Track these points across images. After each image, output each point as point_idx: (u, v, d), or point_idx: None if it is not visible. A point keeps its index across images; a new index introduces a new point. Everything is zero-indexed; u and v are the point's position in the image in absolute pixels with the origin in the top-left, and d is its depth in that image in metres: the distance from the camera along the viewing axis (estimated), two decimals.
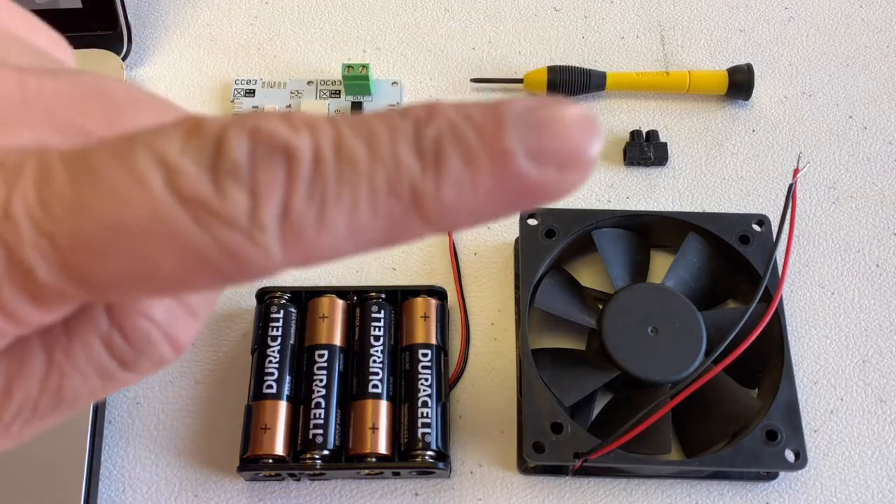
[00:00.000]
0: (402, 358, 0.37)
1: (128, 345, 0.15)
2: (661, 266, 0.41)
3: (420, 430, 0.35)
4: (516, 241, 0.42)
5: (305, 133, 0.12)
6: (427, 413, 0.35)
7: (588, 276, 0.41)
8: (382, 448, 0.35)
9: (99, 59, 0.45)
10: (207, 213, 0.12)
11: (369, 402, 0.35)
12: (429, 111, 0.12)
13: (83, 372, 0.15)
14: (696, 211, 0.43)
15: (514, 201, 0.12)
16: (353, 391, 0.36)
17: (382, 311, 0.38)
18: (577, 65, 0.46)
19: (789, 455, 0.34)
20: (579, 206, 0.43)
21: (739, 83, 0.46)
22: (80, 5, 0.44)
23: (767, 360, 0.37)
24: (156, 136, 0.12)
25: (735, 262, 0.39)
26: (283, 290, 0.38)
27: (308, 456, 0.35)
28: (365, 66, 0.45)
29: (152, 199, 0.12)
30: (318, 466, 0.34)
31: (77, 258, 0.12)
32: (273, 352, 0.36)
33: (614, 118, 0.46)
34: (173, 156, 0.12)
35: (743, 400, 0.36)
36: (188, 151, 0.12)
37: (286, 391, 0.36)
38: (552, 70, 0.46)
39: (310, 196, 0.12)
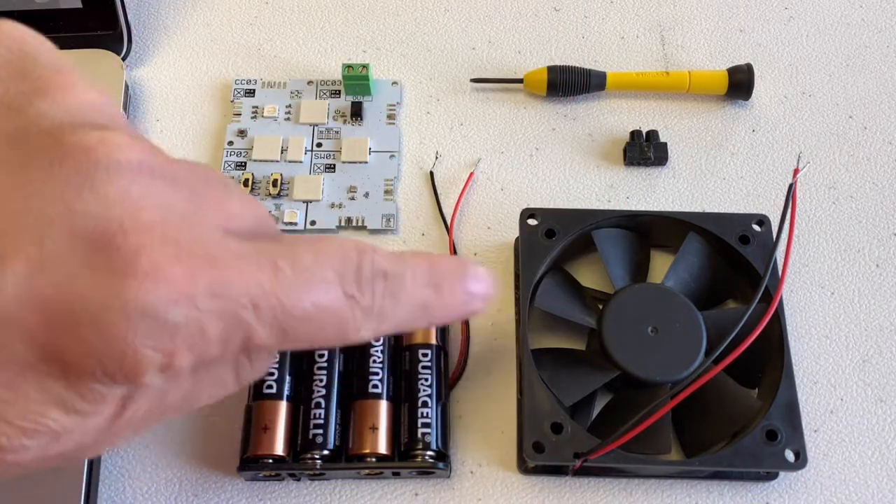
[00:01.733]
0: (402, 358, 0.37)
1: (249, 363, 0.24)
2: (661, 266, 0.41)
3: (420, 430, 0.35)
4: (516, 241, 0.42)
5: (400, 269, 0.24)
6: (427, 413, 0.35)
7: (588, 276, 0.41)
8: (382, 448, 0.35)
9: (99, 59, 0.45)
10: (357, 307, 0.23)
11: (369, 402, 0.35)
12: (431, 265, 0.25)
13: (212, 383, 0.24)
14: (696, 211, 0.43)
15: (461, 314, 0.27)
16: (353, 391, 0.36)
17: None
18: (577, 65, 0.46)
19: (789, 455, 0.34)
20: (579, 206, 0.43)
21: (739, 83, 0.46)
22: (80, 5, 0.44)
23: (767, 360, 0.37)
24: (337, 262, 0.23)
25: (735, 262, 0.39)
26: None
27: (308, 456, 0.35)
28: (365, 66, 0.45)
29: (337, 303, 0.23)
30: (318, 466, 0.34)
31: (289, 336, 0.22)
32: None
33: (614, 118, 0.46)
34: (348, 275, 0.23)
35: (743, 400, 0.36)
36: (350, 275, 0.23)
37: (286, 391, 0.36)
38: (552, 70, 0.46)
39: (388, 302, 0.24)
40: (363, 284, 0.23)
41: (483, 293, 0.27)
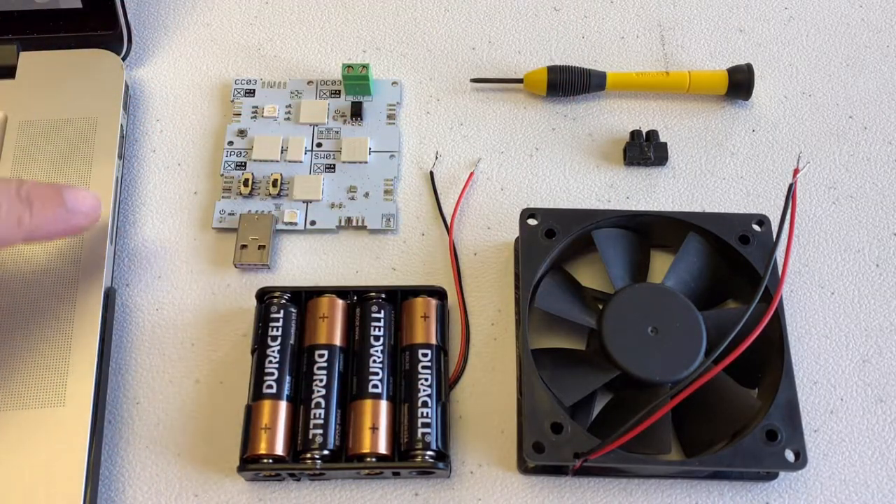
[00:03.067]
0: (402, 358, 0.37)
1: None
2: (661, 266, 0.41)
3: (420, 430, 0.35)
4: (516, 241, 0.42)
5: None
6: (427, 413, 0.35)
7: (588, 276, 0.41)
8: (382, 448, 0.35)
9: (99, 59, 0.45)
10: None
11: (369, 402, 0.36)
12: (18, 186, 0.31)
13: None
14: (696, 211, 0.43)
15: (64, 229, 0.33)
16: (353, 391, 0.36)
17: (382, 311, 0.38)
18: (577, 65, 0.46)
19: (789, 455, 0.34)
20: (579, 206, 0.43)
21: (739, 83, 0.46)
22: (80, 5, 0.44)
23: (767, 360, 0.37)
24: None
25: (735, 262, 0.39)
26: (283, 290, 0.38)
27: (308, 456, 0.35)
28: (365, 66, 0.45)
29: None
30: (318, 466, 0.34)
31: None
32: (273, 352, 0.36)
33: (614, 118, 0.46)
34: None
35: (743, 400, 0.36)
36: None
37: (286, 391, 0.36)
38: (552, 70, 0.46)
39: None
40: None
41: (86, 209, 0.32)
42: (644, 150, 0.44)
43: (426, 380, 0.36)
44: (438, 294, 0.39)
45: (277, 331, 0.37)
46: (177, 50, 0.48)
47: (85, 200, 0.33)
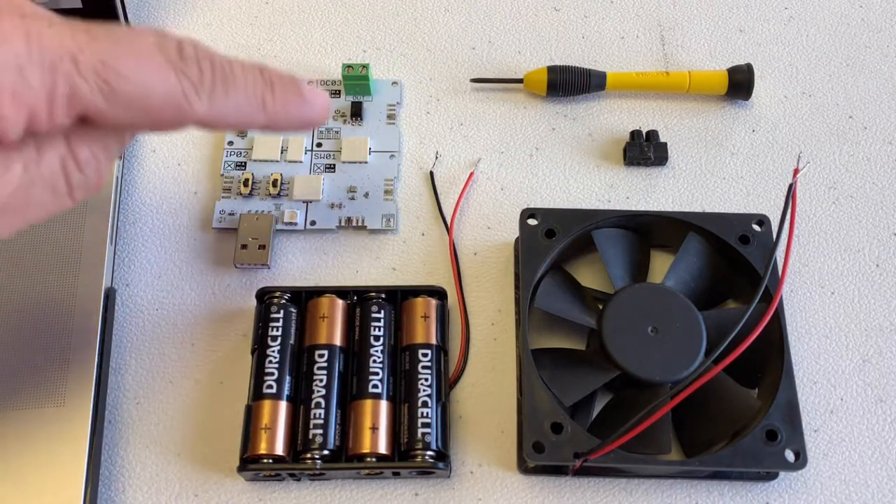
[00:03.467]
0: (402, 358, 0.37)
1: (76, 166, 0.25)
2: (661, 266, 0.41)
3: (420, 430, 0.35)
4: (516, 241, 0.42)
5: (228, 61, 0.27)
6: (427, 413, 0.35)
7: (588, 276, 0.41)
8: (382, 448, 0.35)
9: None
10: (184, 76, 0.25)
11: (369, 402, 0.36)
12: (261, 67, 0.28)
13: (43, 184, 0.25)
14: (696, 211, 0.43)
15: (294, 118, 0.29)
16: (353, 391, 0.36)
17: (382, 311, 0.38)
18: (577, 65, 0.46)
19: (789, 455, 0.34)
20: (579, 206, 0.43)
21: (739, 83, 0.46)
22: (80, 5, 0.44)
23: (767, 360, 0.37)
24: (149, 35, 0.25)
25: (735, 262, 0.39)
26: (283, 290, 0.38)
27: (308, 456, 0.35)
28: (365, 66, 0.45)
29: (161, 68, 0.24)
30: (318, 466, 0.34)
31: (117, 94, 0.23)
32: (273, 352, 0.36)
33: (614, 118, 0.46)
34: (169, 47, 0.25)
35: (743, 400, 0.36)
36: (171, 49, 0.25)
37: (286, 391, 0.36)
38: (552, 70, 0.46)
39: (225, 90, 0.26)
40: (187, 59, 0.25)
41: (320, 102, 0.30)
42: (644, 150, 0.44)
43: (426, 380, 0.36)
44: (438, 294, 0.39)
45: (277, 331, 0.37)
46: None
47: (319, 95, 0.31)
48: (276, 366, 0.36)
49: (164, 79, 0.25)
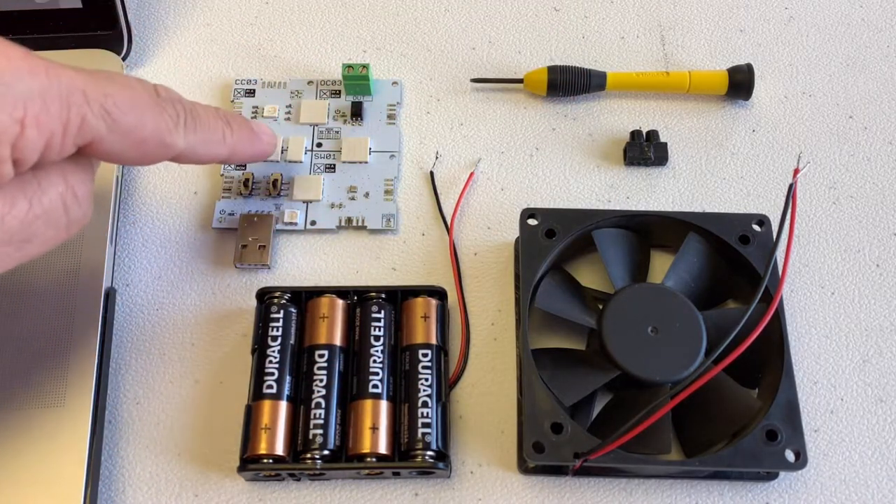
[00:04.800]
0: (402, 358, 0.37)
1: (76, 200, 0.29)
2: (661, 266, 0.41)
3: (420, 430, 0.35)
4: (516, 241, 0.42)
5: (190, 102, 0.32)
6: (427, 413, 0.35)
7: (588, 276, 0.41)
8: (382, 448, 0.35)
9: (99, 59, 0.45)
10: (166, 113, 0.30)
11: (369, 402, 0.36)
12: (216, 108, 0.34)
13: (46, 218, 0.28)
14: (696, 211, 0.43)
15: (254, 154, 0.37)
16: (353, 391, 0.36)
17: (382, 311, 0.38)
18: (577, 65, 0.46)
19: (789, 455, 0.34)
20: (579, 206, 0.43)
21: (739, 83, 0.46)
22: (80, 5, 0.44)
23: (767, 360, 0.37)
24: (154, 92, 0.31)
25: (735, 262, 0.39)
26: (283, 290, 0.38)
27: (308, 456, 0.35)
28: (365, 66, 0.45)
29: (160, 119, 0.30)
30: (318, 466, 0.34)
31: (117, 124, 0.28)
32: (273, 352, 0.36)
33: (614, 118, 0.46)
34: (150, 89, 0.30)
35: (743, 400, 0.36)
36: (150, 89, 0.30)
37: (286, 391, 0.36)
38: (552, 70, 0.46)
39: (195, 126, 0.32)
40: (164, 100, 0.30)
41: (267, 136, 0.38)
42: (644, 150, 0.44)
43: (426, 380, 0.36)
44: (438, 294, 0.39)
45: (277, 331, 0.37)
46: (177, 50, 0.48)
47: (265, 130, 0.37)
48: (277, 366, 0.36)
49: (154, 115, 0.29)
